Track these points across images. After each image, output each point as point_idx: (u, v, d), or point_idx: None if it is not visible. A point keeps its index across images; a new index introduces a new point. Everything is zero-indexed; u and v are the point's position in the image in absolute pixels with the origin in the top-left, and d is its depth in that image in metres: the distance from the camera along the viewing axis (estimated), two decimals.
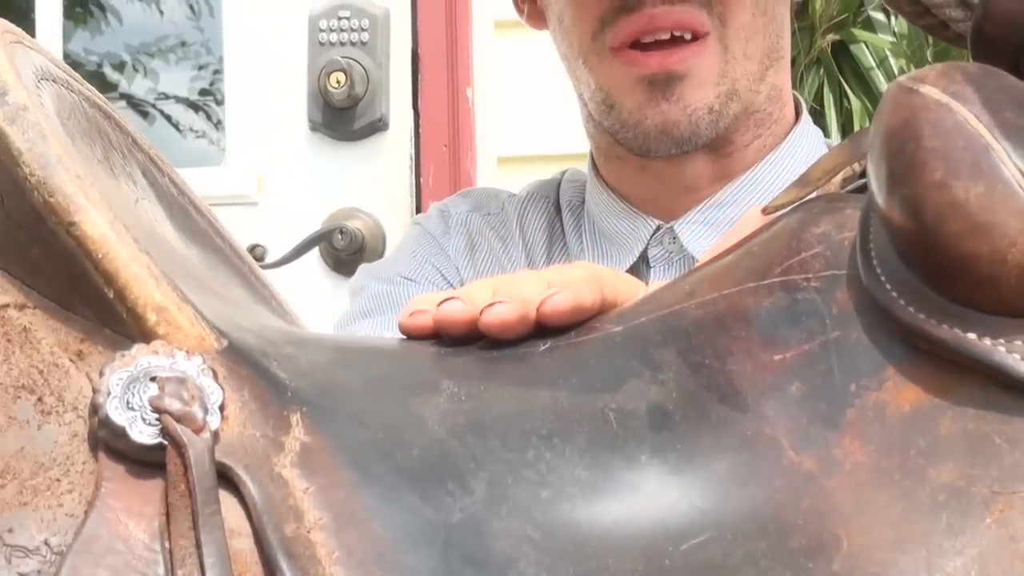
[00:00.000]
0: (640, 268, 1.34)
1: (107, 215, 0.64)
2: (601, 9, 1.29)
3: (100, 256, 0.64)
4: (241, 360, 0.66)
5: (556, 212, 1.47)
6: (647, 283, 0.81)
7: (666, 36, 1.28)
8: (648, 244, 1.35)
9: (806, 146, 1.39)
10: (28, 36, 0.74)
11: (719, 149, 1.33)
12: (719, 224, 1.30)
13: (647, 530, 0.63)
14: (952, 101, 0.64)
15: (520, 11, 1.50)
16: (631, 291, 0.77)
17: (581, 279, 0.73)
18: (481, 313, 0.71)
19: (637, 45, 1.29)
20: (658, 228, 1.36)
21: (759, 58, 1.32)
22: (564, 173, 1.53)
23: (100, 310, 0.65)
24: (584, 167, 1.50)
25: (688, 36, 1.28)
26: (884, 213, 0.66)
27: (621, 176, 1.40)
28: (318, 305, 2.45)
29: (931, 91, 0.65)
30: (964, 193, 0.63)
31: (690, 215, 1.33)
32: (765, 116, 1.34)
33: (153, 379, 0.62)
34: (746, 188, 1.33)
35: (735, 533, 0.63)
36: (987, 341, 0.63)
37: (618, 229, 1.39)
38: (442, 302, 0.72)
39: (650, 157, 1.32)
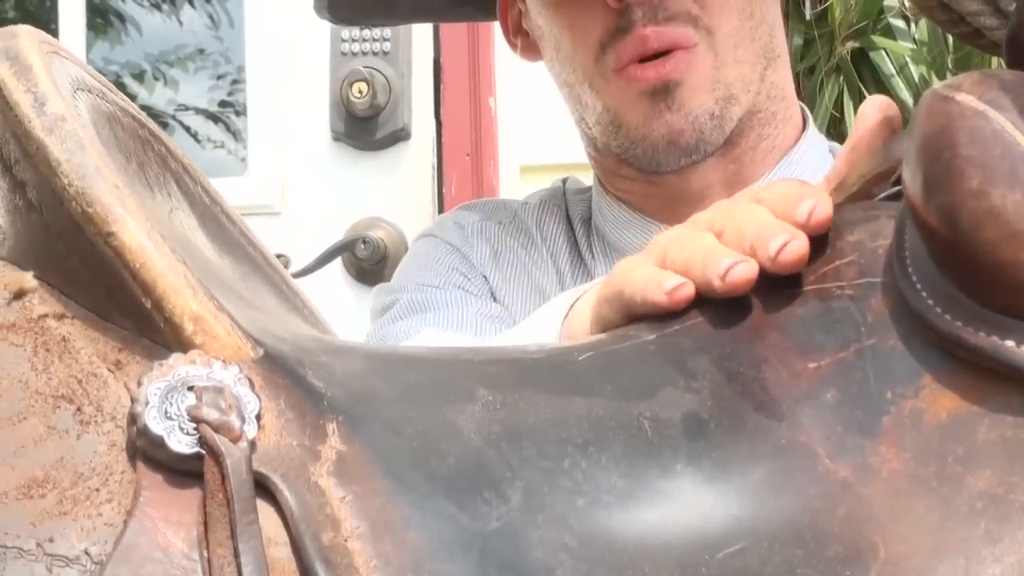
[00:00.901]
0: None
1: (145, 225, 0.65)
2: (599, 32, 1.32)
3: (138, 266, 0.64)
4: (277, 369, 0.66)
5: (569, 222, 1.47)
6: None
7: (666, 52, 1.30)
8: None
9: (816, 152, 1.40)
10: (63, 46, 0.74)
11: (727, 154, 1.34)
12: None
13: (683, 538, 0.63)
14: (988, 108, 0.64)
15: (513, 46, 1.52)
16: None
17: (770, 221, 0.71)
18: (776, 256, 0.69)
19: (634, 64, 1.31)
20: None
21: (753, 61, 1.33)
22: (565, 182, 1.54)
23: (138, 320, 0.65)
24: (583, 176, 1.51)
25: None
26: (920, 221, 0.66)
27: (630, 191, 1.41)
28: (342, 315, 2.45)
29: (967, 99, 0.65)
30: (1001, 200, 0.62)
31: None
32: (769, 116, 1.36)
33: (190, 388, 0.62)
34: None
35: (771, 541, 0.63)
36: None
37: (629, 240, 1.39)
38: (727, 268, 0.69)
39: (661, 172, 1.34)
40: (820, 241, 0.72)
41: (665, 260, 0.73)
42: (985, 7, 0.71)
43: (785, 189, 0.73)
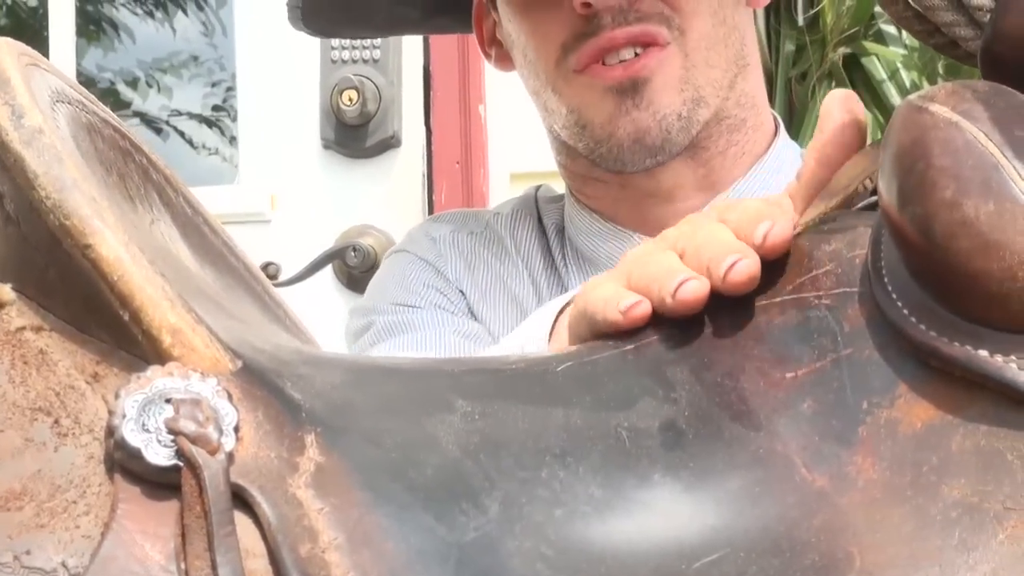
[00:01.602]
0: None
1: (122, 237, 0.65)
2: (562, 36, 1.32)
3: (115, 278, 0.64)
4: (255, 381, 0.66)
5: (542, 231, 1.47)
6: None
7: (629, 55, 1.30)
8: None
9: (786, 158, 1.40)
10: (44, 58, 0.74)
11: (695, 157, 1.34)
12: None
13: (660, 548, 0.63)
14: (962, 120, 0.65)
15: (488, 56, 1.52)
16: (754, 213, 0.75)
17: (728, 240, 0.72)
18: (725, 276, 0.69)
19: (600, 65, 1.31)
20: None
21: (724, 66, 1.33)
22: (537, 189, 1.54)
23: (115, 332, 0.65)
24: (555, 184, 1.51)
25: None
26: (895, 231, 0.66)
27: (602, 198, 1.40)
28: (332, 323, 2.45)
29: (941, 110, 0.65)
30: (974, 211, 0.63)
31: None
32: (738, 123, 1.36)
33: (168, 401, 0.62)
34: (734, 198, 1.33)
35: (748, 551, 0.63)
36: (999, 358, 0.63)
37: (602, 250, 1.39)
38: (678, 284, 0.70)
39: (627, 172, 1.33)
40: (798, 251, 0.72)
41: (628, 279, 0.74)
42: (960, 18, 0.71)
43: (748, 208, 0.73)
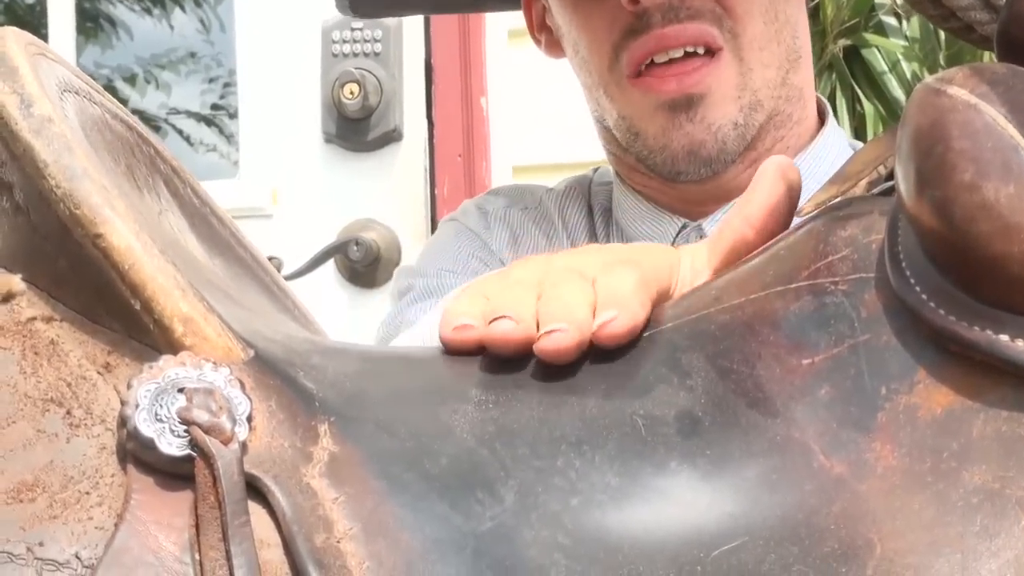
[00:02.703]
0: None
1: (133, 226, 0.64)
2: (612, 35, 1.30)
3: (126, 268, 0.64)
4: (268, 371, 0.65)
5: (590, 212, 1.47)
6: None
7: (679, 54, 1.28)
8: (674, 242, 1.35)
9: (834, 148, 1.38)
10: (50, 48, 0.74)
11: (745, 158, 1.32)
12: None
13: (678, 536, 0.63)
14: (980, 102, 0.64)
15: (538, 42, 1.50)
16: (666, 276, 0.75)
17: (630, 293, 0.71)
18: (539, 339, 0.69)
19: (652, 66, 1.29)
20: (684, 226, 1.36)
21: (777, 64, 1.31)
22: (595, 171, 1.53)
23: (127, 322, 0.65)
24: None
25: (701, 51, 1.28)
26: (913, 215, 0.66)
27: (649, 187, 1.40)
28: (335, 317, 2.45)
29: (959, 92, 0.65)
30: (994, 194, 0.62)
31: (719, 214, 1.33)
32: (785, 118, 1.34)
33: (181, 390, 0.62)
34: None
35: (767, 539, 0.63)
36: (1020, 343, 0.62)
37: (644, 232, 1.39)
38: (492, 320, 0.70)
39: (680, 181, 1.32)
40: (813, 237, 0.72)
41: (487, 297, 0.73)
42: (976, 1, 0.70)
43: (618, 282, 0.72)
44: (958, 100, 0.65)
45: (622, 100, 1.32)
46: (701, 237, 1.32)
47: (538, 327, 0.70)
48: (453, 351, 0.72)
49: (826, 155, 1.37)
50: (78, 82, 0.75)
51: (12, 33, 0.70)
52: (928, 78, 0.67)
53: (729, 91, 1.28)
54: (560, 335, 0.69)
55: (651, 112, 1.29)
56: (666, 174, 1.32)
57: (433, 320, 0.95)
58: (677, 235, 1.35)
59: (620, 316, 0.70)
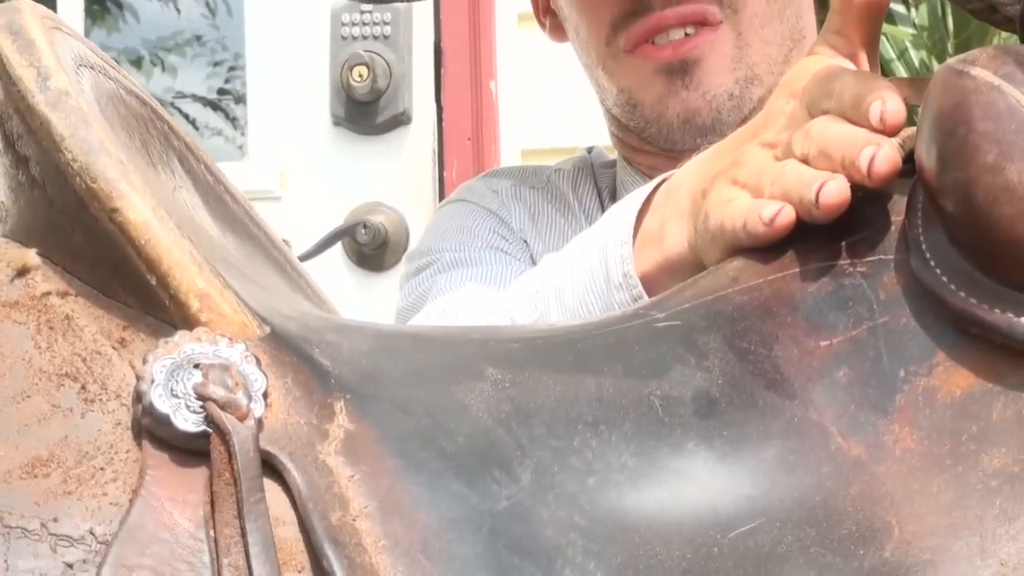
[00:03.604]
0: None
1: (149, 201, 0.64)
2: (612, 14, 1.30)
3: (143, 243, 0.63)
4: (284, 347, 0.65)
5: (598, 193, 1.47)
6: None
7: (678, 35, 1.28)
8: None
9: None
10: (65, 23, 0.73)
11: None
12: None
13: (695, 517, 0.63)
14: (1004, 83, 0.64)
15: (543, 25, 1.50)
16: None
17: (854, 134, 0.73)
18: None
19: (649, 45, 1.29)
20: None
21: (779, 42, 1.31)
22: (590, 152, 1.53)
23: (142, 297, 0.65)
24: (606, 150, 1.50)
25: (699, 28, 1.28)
26: (934, 197, 0.66)
27: (654, 167, 1.39)
28: (342, 300, 2.44)
29: (982, 73, 0.65)
30: (1018, 176, 0.62)
31: None
32: None
33: (197, 366, 0.61)
34: None
35: (784, 520, 0.62)
36: None
37: None
38: (817, 186, 0.71)
39: (677, 151, 1.32)
40: (831, 220, 0.72)
41: (760, 191, 0.75)
42: None
43: (845, 89, 0.74)
44: (981, 81, 0.64)
45: (620, 72, 1.32)
46: None
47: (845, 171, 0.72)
48: (768, 239, 0.73)
49: None
50: (93, 57, 0.74)
51: (28, 6, 0.70)
52: (952, 59, 0.67)
53: (724, 61, 1.28)
54: (882, 153, 0.70)
55: (648, 79, 1.30)
56: (663, 144, 1.33)
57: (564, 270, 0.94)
58: None
59: (887, 99, 0.72)
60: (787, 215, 0.72)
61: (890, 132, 0.71)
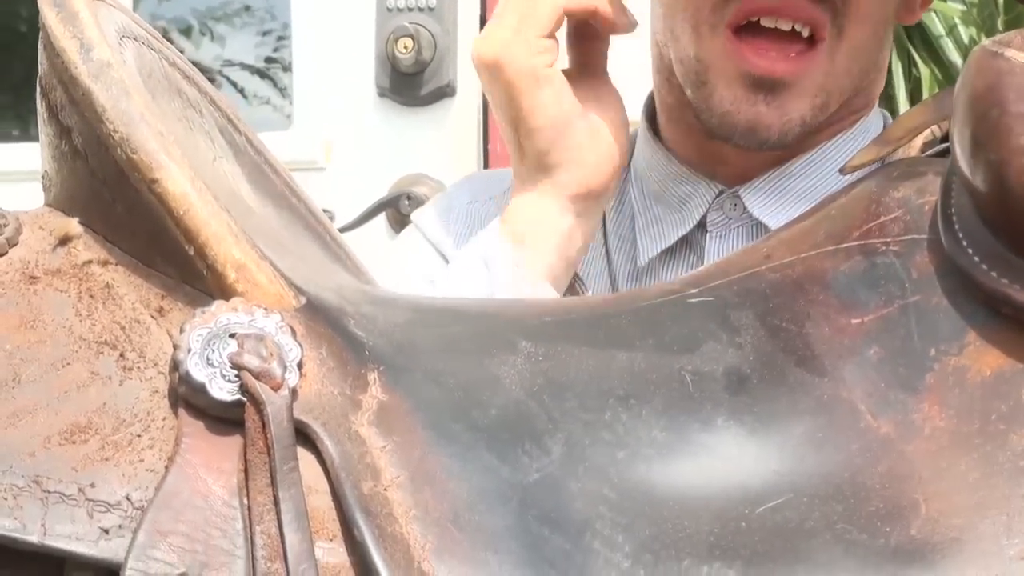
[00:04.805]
0: (695, 234, 1.30)
1: (189, 172, 0.65)
2: None
3: (181, 213, 0.64)
4: (319, 318, 0.66)
5: None
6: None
7: (787, 27, 1.24)
8: (708, 211, 1.32)
9: (874, 127, 1.35)
10: None
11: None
12: (788, 193, 1.27)
13: (723, 492, 0.63)
14: None
15: None
16: None
17: None
18: None
19: (754, 27, 1.24)
20: (720, 192, 1.33)
21: (859, 76, 1.27)
22: None
23: (181, 267, 0.66)
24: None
25: (806, 33, 1.24)
26: (967, 178, 0.66)
27: (684, 141, 1.35)
28: (385, 271, 2.45)
29: (1017, 55, 0.65)
30: None
31: (757, 182, 1.30)
32: (842, 116, 1.30)
33: (232, 336, 0.62)
34: (817, 161, 1.30)
35: (811, 496, 0.63)
36: None
37: (677, 194, 1.34)
38: None
39: (720, 140, 1.28)
40: (866, 197, 0.72)
41: None
42: None
43: None
44: (1016, 63, 0.64)
45: (709, 45, 1.26)
46: (736, 207, 1.29)
47: None
48: None
49: (869, 133, 1.33)
50: (136, 28, 0.75)
51: None
52: (986, 41, 0.67)
53: (810, 88, 1.24)
54: None
55: (732, 77, 1.25)
56: (715, 133, 1.28)
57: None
58: (712, 203, 1.31)
59: None
60: None
61: None
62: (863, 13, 1.24)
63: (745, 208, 1.28)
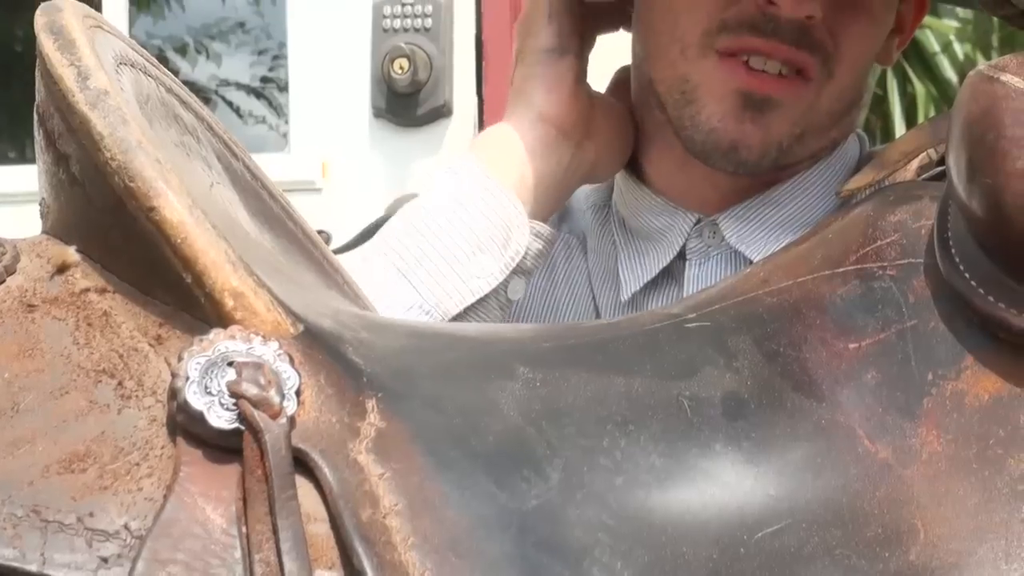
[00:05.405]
0: (676, 263, 1.30)
1: (186, 200, 0.65)
2: (729, 14, 1.23)
3: (179, 241, 0.64)
4: (317, 345, 0.66)
5: (558, 222, 1.39)
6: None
7: (775, 70, 1.24)
8: (687, 239, 1.32)
9: (851, 152, 1.35)
10: (107, 21, 0.74)
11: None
12: (766, 221, 1.28)
13: (722, 518, 0.63)
14: None
15: None
16: None
17: None
18: None
19: (743, 62, 1.24)
20: (698, 220, 1.32)
21: (837, 116, 1.28)
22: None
23: (179, 295, 0.66)
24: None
25: (794, 74, 1.25)
26: (963, 202, 0.66)
27: (660, 166, 1.34)
28: None
29: (1013, 79, 0.65)
30: None
31: (735, 210, 1.30)
32: (822, 146, 1.30)
33: (231, 364, 0.62)
34: (796, 189, 1.30)
35: (810, 522, 0.63)
36: None
37: (655, 226, 1.34)
38: None
39: (695, 161, 1.28)
40: (862, 221, 0.72)
41: None
42: None
43: None
44: (1011, 87, 0.65)
45: (698, 65, 1.26)
46: (715, 234, 1.29)
47: None
48: None
49: (846, 157, 1.33)
50: (133, 55, 0.75)
51: (70, 5, 0.71)
52: (981, 65, 0.67)
53: (794, 114, 1.24)
54: None
55: (723, 93, 1.24)
56: (694, 151, 1.28)
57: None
58: (691, 231, 1.31)
59: None
60: None
61: None
62: (852, 57, 1.25)
63: (724, 236, 1.29)
